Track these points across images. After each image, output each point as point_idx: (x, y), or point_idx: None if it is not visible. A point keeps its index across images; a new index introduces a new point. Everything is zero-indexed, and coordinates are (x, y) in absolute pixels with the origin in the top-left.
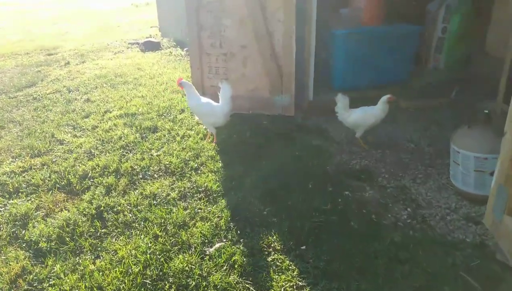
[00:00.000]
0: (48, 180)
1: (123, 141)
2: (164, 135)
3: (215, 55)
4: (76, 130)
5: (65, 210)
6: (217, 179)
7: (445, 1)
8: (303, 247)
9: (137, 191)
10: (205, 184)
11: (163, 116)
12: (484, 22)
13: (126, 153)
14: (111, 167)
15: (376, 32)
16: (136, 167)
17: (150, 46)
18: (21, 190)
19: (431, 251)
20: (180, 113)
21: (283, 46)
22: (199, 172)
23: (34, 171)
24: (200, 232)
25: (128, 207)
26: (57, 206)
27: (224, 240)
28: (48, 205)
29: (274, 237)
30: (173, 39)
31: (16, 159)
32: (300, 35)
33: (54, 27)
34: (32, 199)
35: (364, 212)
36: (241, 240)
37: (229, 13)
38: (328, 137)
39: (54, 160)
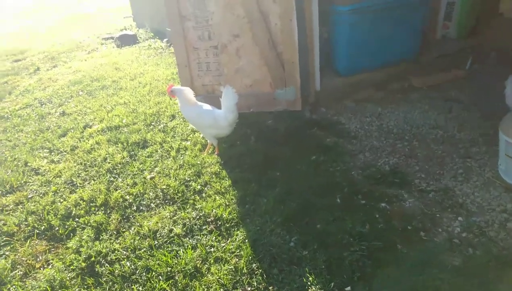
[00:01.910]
0: (25, 225)
1: (109, 163)
2: (156, 151)
3: (204, 49)
4: (53, 154)
5: (48, 265)
6: (227, 203)
7: None
8: (348, 288)
9: (132, 229)
10: (214, 212)
11: (151, 126)
12: None
13: (114, 178)
14: (98, 200)
15: (383, 3)
16: (127, 196)
17: (126, 40)
18: None
19: (504, 275)
20: (171, 120)
21: (282, 31)
22: (203, 195)
23: (6, 213)
24: (217, 281)
25: (125, 252)
26: (38, 260)
27: (249, 289)
28: (26, 260)
29: (310, 278)
30: (150, 29)
31: None
32: (299, 14)
33: (17, 25)
34: (7, 254)
35: (410, 229)
36: (270, 287)
37: None
38: (343, 131)
39: (29, 196)
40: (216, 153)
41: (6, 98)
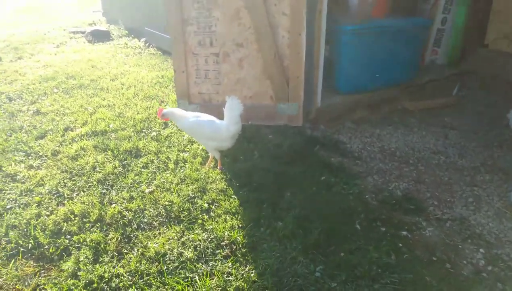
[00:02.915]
0: (6, 241)
1: (99, 173)
2: (152, 162)
3: (204, 55)
4: (30, 158)
5: None
6: (240, 225)
7: None
8: None
9: (136, 250)
10: (227, 234)
11: (143, 133)
12: (484, 13)
13: (107, 190)
14: (92, 215)
15: (387, 26)
16: (126, 212)
17: (99, 36)
18: None
19: None
20: (164, 128)
21: (289, 45)
22: (212, 214)
23: None
24: None
25: (131, 278)
26: (27, 285)
27: None
28: (13, 284)
29: None
30: (123, 27)
31: None
32: (306, 30)
33: None
34: None
35: (435, 260)
36: None
37: (220, 4)
38: (346, 151)
39: (8, 206)
40: (219, 167)
41: None
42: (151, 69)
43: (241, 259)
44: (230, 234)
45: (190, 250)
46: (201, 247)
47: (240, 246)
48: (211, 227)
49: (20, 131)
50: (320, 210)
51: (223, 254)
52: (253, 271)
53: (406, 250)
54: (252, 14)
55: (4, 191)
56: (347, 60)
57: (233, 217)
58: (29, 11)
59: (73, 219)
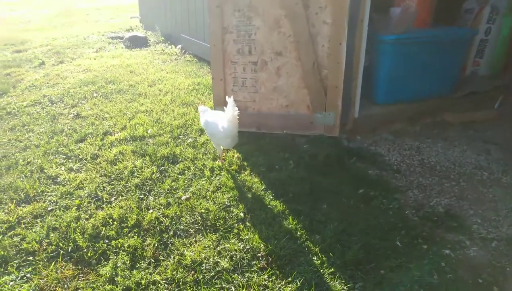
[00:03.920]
0: (47, 243)
1: (137, 178)
2: (189, 168)
3: (242, 63)
4: (71, 161)
5: None
6: (276, 236)
7: (489, 0)
8: None
9: (172, 257)
10: (263, 245)
11: (179, 140)
12: None
13: (145, 195)
14: (130, 220)
15: (429, 37)
16: (163, 218)
17: (137, 42)
18: (9, 261)
19: None
20: (200, 135)
21: (329, 54)
22: (247, 224)
23: (24, 227)
24: None
25: (167, 286)
26: (66, 287)
27: None
28: (53, 286)
29: None
30: (160, 33)
31: None
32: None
33: (13, 14)
34: (28, 276)
35: (482, 283)
36: None
37: (261, 12)
38: (385, 163)
39: (49, 208)
40: (220, 160)
41: (11, 92)
42: (187, 76)
43: (278, 272)
44: (266, 245)
45: (226, 260)
46: (237, 257)
47: (277, 258)
48: (247, 237)
49: (61, 134)
50: (359, 225)
51: (259, 265)
52: (290, 285)
53: (450, 270)
54: (292, 23)
55: (46, 193)
56: (386, 71)
57: (269, 228)
58: (67, 16)
59: (111, 223)
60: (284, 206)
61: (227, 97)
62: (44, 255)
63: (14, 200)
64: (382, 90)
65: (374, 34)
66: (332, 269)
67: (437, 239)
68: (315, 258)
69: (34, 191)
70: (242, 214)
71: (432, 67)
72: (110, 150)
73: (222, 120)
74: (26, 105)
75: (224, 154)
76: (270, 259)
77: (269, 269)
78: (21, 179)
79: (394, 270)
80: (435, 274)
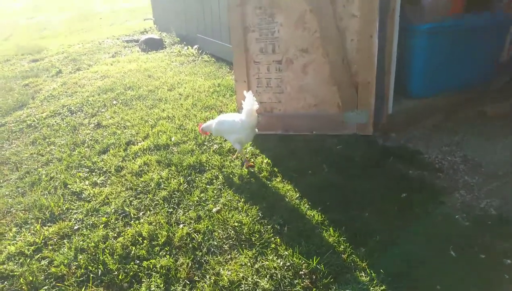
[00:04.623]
0: (76, 266)
1: (165, 190)
2: (217, 178)
3: (266, 63)
4: (94, 174)
5: None
6: (317, 250)
7: None
8: None
9: (208, 278)
10: (304, 262)
11: (204, 147)
12: None
13: (173, 208)
14: (160, 237)
15: (467, 25)
16: (194, 234)
17: (152, 44)
18: (39, 288)
19: None
20: (225, 140)
21: (359, 49)
22: (285, 237)
23: (51, 249)
24: None
25: None
26: None
27: None
28: None
29: None
30: (175, 34)
31: (22, 228)
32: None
33: (29, 21)
34: None
35: None
36: None
37: (284, 8)
38: (425, 162)
39: (75, 227)
40: (233, 157)
41: (30, 104)
42: (206, 78)
43: None
44: (308, 262)
45: (265, 279)
46: (278, 276)
47: (321, 276)
48: (286, 253)
49: (82, 146)
50: (406, 234)
51: (302, 285)
52: None
53: None
54: (318, 17)
55: (71, 210)
56: (421, 62)
57: (309, 241)
58: (82, 20)
59: (141, 242)
60: (322, 216)
61: (245, 91)
62: (74, 280)
63: (40, 220)
64: (417, 83)
65: (406, 24)
66: (384, 287)
67: (494, 247)
68: (363, 275)
69: (59, 208)
70: (278, 226)
71: (468, 56)
72: (134, 160)
73: (239, 115)
74: (45, 117)
75: (252, 160)
76: (314, 277)
77: (314, 289)
78: (45, 196)
79: (451, 284)
80: (497, 289)
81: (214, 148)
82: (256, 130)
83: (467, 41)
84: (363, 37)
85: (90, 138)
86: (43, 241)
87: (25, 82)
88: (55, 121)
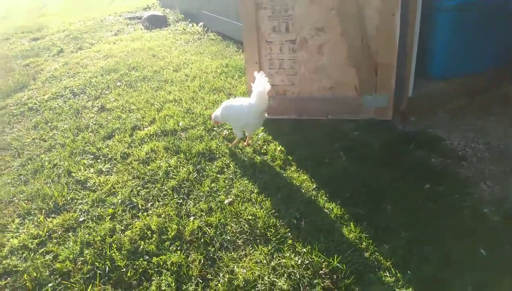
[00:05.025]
0: (82, 262)
1: (173, 179)
2: (228, 166)
3: (278, 43)
4: (99, 161)
5: None
6: (337, 247)
7: None
8: None
9: (222, 276)
10: (324, 261)
11: (214, 132)
12: None
13: (183, 199)
14: (170, 230)
15: (495, 1)
16: (206, 228)
17: (156, 21)
18: (43, 285)
19: None
20: None
21: (379, 28)
22: (302, 232)
23: (55, 242)
24: None
25: None
26: None
27: None
28: None
29: None
30: (179, 11)
31: (25, 220)
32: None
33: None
34: None
35: None
36: None
37: None
38: (447, 149)
39: (80, 219)
40: (231, 144)
41: (31, 85)
42: (213, 57)
43: None
44: (328, 260)
45: (283, 279)
46: (296, 275)
47: (342, 275)
48: (304, 250)
49: (86, 131)
50: (432, 230)
51: (322, 285)
52: None
53: None
54: None
55: (76, 200)
56: (446, 42)
57: (328, 237)
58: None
59: (150, 235)
60: (341, 209)
61: (255, 72)
62: (80, 276)
63: (43, 210)
64: (440, 64)
65: (430, 0)
66: (410, 289)
67: None
68: (388, 274)
69: (63, 198)
70: (294, 220)
71: (495, 35)
72: (141, 147)
73: (248, 100)
74: (47, 99)
75: (251, 141)
76: (335, 277)
77: (335, 290)
78: (49, 185)
79: (482, 286)
80: None
81: (224, 133)
82: (266, 115)
83: (497, 19)
84: (385, 14)
85: (94, 122)
86: (47, 233)
87: (25, 62)
88: (57, 104)
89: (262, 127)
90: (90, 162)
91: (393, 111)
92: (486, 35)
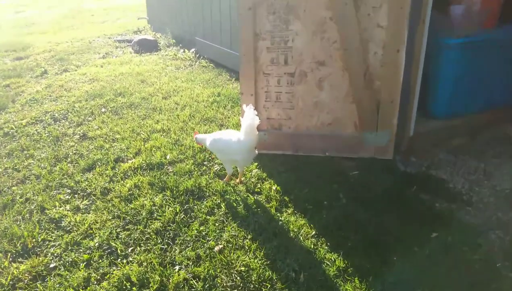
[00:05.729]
0: None
1: (158, 220)
2: (218, 206)
3: (276, 75)
4: (77, 197)
5: None
6: None
7: None
8: None
9: None
10: None
11: (204, 167)
12: None
13: (168, 244)
14: (152, 283)
15: (505, 38)
16: (193, 280)
17: (146, 46)
18: None
19: None
20: None
21: (383, 63)
22: (301, 288)
23: None
24: None
25: None
26: None
27: None
28: None
29: None
30: (171, 36)
31: None
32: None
33: (19, 15)
34: None
35: None
36: None
37: (302, 14)
38: (451, 193)
39: (51, 265)
40: (225, 180)
41: (9, 108)
42: (205, 85)
43: None
44: None
45: None
46: None
47: None
48: None
49: (65, 161)
50: (445, 286)
51: None
52: None
53: None
54: (339, 27)
55: (47, 242)
56: (448, 79)
57: None
58: (73, 17)
59: (129, 288)
60: (345, 261)
61: (244, 105)
62: None
63: (9, 254)
64: (444, 103)
65: (434, 37)
66: None
67: None
68: None
69: (34, 240)
70: (293, 274)
71: (499, 73)
72: (124, 182)
73: (238, 134)
74: (26, 124)
75: (244, 178)
76: None
77: None
78: (18, 223)
79: None
80: None
81: (215, 169)
82: (256, 151)
83: (500, 57)
84: (389, 50)
85: (74, 151)
86: (11, 282)
87: (6, 83)
88: (36, 130)
89: (256, 163)
90: (67, 197)
91: (394, 150)
92: (490, 74)
